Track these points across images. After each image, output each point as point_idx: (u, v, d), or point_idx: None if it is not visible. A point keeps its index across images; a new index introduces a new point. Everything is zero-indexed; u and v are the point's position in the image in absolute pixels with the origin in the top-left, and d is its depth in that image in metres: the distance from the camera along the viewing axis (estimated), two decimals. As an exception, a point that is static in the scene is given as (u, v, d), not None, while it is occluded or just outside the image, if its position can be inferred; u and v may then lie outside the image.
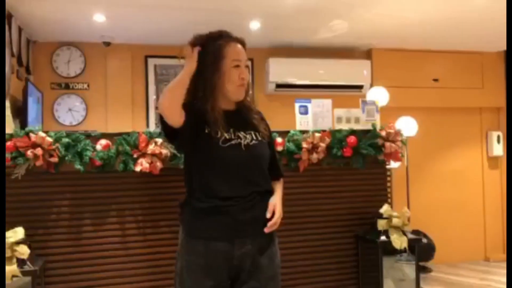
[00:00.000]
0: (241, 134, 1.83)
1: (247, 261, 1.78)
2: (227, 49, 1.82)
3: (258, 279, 1.79)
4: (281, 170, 2.01)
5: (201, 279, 1.74)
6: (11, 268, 2.28)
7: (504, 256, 5.53)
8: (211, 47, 1.82)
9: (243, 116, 1.90)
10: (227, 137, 1.80)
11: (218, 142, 1.78)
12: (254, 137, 1.85)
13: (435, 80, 5.42)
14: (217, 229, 1.76)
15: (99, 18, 3.98)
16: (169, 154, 2.66)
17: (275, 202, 1.84)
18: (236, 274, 1.79)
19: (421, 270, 4.80)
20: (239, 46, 1.86)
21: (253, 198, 1.80)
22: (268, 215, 1.80)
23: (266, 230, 1.79)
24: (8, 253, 2.31)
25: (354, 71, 5.12)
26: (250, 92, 1.95)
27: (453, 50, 5.42)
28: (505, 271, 5.06)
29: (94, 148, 2.61)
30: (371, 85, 5.02)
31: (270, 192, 1.89)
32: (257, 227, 1.79)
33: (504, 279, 4.78)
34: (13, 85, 3.55)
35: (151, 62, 4.87)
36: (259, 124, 1.90)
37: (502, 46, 5.42)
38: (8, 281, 2.30)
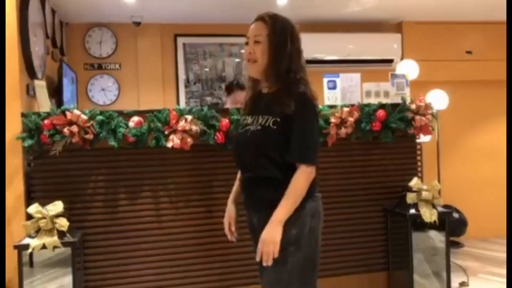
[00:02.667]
0: (258, 118, 1.83)
1: (259, 232, 1.78)
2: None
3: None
4: (294, 153, 1.76)
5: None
6: (52, 240, 2.41)
7: (540, 231, 5.43)
8: None
9: (270, 98, 1.84)
10: (248, 121, 1.87)
11: (239, 128, 1.94)
12: (263, 122, 1.80)
13: (468, 52, 5.26)
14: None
15: (128, -2, 4.04)
16: (199, 130, 2.72)
17: (262, 239, 1.72)
18: None
19: (452, 245, 4.77)
20: (254, 23, 1.87)
21: (250, 182, 1.88)
22: (257, 258, 1.74)
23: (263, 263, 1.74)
24: (49, 225, 2.43)
25: (384, 45, 5.03)
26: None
27: (487, 21, 5.24)
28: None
29: (127, 125, 2.69)
30: (402, 59, 4.93)
31: (275, 179, 1.78)
32: (256, 204, 1.88)
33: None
34: (48, 66, 3.66)
35: (180, 40, 4.91)
36: (280, 106, 1.77)
37: (540, 15, 5.21)
38: (50, 252, 2.43)
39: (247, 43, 1.86)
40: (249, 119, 1.86)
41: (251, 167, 1.84)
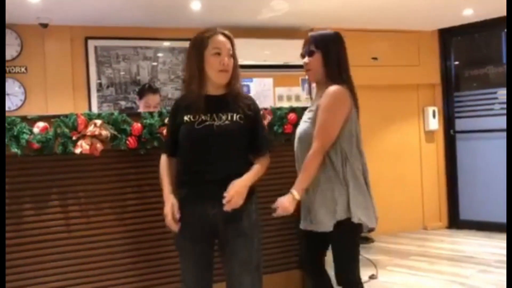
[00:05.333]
0: (219, 115, 2.05)
1: (220, 221, 2.06)
2: (209, 40, 2.09)
3: (229, 236, 2.10)
4: (261, 145, 2.17)
5: (181, 239, 2.15)
6: None
7: (440, 224, 5.88)
8: (198, 40, 2.11)
9: (227, 100, 2.09)
10: (204, 118, 2.05)
11: (194, 124, 2.05)
12: (229, 118, 2.05)
13: (374, 58, 5.60)
14: (191, 194, 2.10)
15: (33, -2, 3.85)
16: (109, 135, 2.65)
17: (234, 184, 2.03)
18: (214, 231, 2.10)
19: (365, 240, 5.04)
20: (222, 37, 2.11)
21: (223, 171, 2.04)
22: (226, 200, 2.01)
23: (225, 208, 2.03)
24: None
25: (297, 51, 5.15)
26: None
27: (391, 29, 5.61)
28: (441, 238, 5.41)
29: (31, 131, 2.57)
30: (314, 64, 5.12)
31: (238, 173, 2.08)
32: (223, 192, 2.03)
33: (440, 245, 5.11)
34: None
35: (91, 43, 4.76)
36: (242, 106, 2.09)
37: (437, 25, 5.68)
38: None
39: (218, 54, 2.08)
40: (204, 117, 2.05)
41: (225, 157, 2.04)
